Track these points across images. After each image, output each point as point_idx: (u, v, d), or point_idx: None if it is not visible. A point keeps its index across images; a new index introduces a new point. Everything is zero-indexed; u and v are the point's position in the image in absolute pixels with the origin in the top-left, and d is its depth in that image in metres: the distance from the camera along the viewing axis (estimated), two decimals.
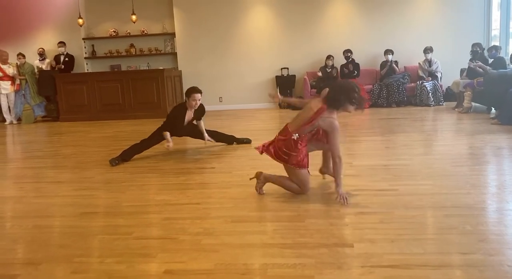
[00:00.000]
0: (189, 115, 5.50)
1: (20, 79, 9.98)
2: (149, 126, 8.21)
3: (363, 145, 5.76)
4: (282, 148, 3.51)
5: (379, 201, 3.35)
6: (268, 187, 3.80)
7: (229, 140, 6.02)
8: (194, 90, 5.35)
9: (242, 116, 9.33)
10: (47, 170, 5.17)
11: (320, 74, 9.75)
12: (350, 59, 9.79)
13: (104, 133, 7.79)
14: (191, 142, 6.78)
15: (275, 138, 3.67)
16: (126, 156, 5.29)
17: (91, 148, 6.47)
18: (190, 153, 5.86)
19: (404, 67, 9.98)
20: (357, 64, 9.81)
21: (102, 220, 3.33)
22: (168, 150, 5.40)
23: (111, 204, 3.70)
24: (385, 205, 3.24)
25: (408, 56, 9.95)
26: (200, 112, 5.67)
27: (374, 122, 7.62)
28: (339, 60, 9.89)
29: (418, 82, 9.42)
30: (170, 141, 5.29)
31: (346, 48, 9.79)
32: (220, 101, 10.76)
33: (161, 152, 5.70)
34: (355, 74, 9.68)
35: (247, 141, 6.02)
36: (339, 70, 9.89)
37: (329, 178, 4.01)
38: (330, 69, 9.72)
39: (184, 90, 10.89)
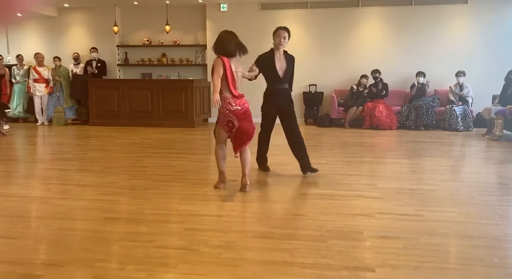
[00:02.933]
0: (281, 62, 4.91)
1: (55, 82, 10.26)
2: (176, 135, 8.33)
3: (389, 167, 5.68)
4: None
5: (403, 226, 3.29)
6: (291, 205, 3.78)
7: (302, 160, 5.02)
8: (279, 27, 4.93)
9: None
10: (74, 172, 5.28)
11: (355, 87, 9.68)
12: (378, 79, 9.73)
13: (131, 139, 7.92)
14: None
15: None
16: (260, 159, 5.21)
17: (117, 153, 6.58)
18: (214, 164, 5.88)
19: (435, 90, 9.85)
20: (386, 84, 9.73)
21: (124, 226, 3.37)
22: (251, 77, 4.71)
23: (134, 210, 3.75)
24: (409, 230, 3.18)
25: (439, 79, 9.82)
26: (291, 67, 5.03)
27: (401, 144, 7.52)
28: (369, 80, 9.83)
29: (448, 106, 9.27)
30: (255, 70, 4.65)
31: (375, 68, 9.74)
32: None
33: (187, 161, 5.75)
34: (383, 93, 9.60)
35: (314, 170, 5.02)
36: (367, 90, 9.83)
37: (355, 200, 3.96)
38: (362, 88, 9.67)
39: None
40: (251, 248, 2.87)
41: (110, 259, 2.76)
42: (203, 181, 4.84)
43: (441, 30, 10.01)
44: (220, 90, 4.12)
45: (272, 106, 4.99)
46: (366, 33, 10.28)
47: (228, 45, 4.16)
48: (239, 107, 4.20)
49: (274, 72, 4.90)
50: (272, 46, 4.98)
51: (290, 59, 5.03)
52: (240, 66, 4.29)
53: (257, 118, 4.55)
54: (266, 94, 5.05)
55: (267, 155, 5.24)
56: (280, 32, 4.89)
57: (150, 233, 3.16)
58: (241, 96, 4.27)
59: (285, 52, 5.01)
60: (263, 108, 5.03)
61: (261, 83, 5.13)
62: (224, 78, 4.11)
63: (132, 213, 3.68)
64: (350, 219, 3.47)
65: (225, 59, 4.14)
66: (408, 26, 10.02)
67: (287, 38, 4.88)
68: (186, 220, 3.45)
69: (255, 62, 4.76)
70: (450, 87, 9.47)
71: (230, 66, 4.14)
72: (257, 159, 5.22)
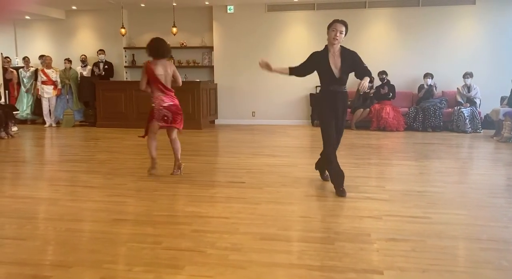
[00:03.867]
0: (335, 60, 4.28)
1: (64, 84, 10.32)
2: (182, 137, 8.32)
3: (397, 169, 5.66)
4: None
5: (411, 228, 3.27)
6: (298, 207, 3.78)
7: (334, 175, 4.33)
8: (335, 20, 4.36)
9: (274, 131, 9.34)
10: (81, 174, 5.30)
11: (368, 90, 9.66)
12: (385, 80, 9.69)
13: (138, 141, 7.91)
14: (224, 155, 6.84)
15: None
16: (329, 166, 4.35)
17: (125, 155, 6.60)
18: (221, 166, 5.89)
19: (442, 91, 9.80)
20: (393, 86, 9.69)
21: (132, 228, 3.38)
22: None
23: (142, 212, 3.76)
24: (417, 233, 3.17)
25: (447, 80, 9.77)
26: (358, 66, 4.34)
27: (408, 146, 7.48)
28: (375, 82, 9.80)
29: (455, 108, 9.22)
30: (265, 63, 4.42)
31: (381, 70, 9.70)
32: (253, 116, 10.83)
33: (194, 163, 5.76)
34: (390, 96, 9.57)
35: (341, 194, 4.17)
36: (373, 90, 9.80)
37: (362, 202, 3.95)
38: (368, 90, 9.64)
39: (219, 103, 11.14)
40: (259, 250, 2.86)
41: (118, 261, 2.76)
42: (210, 182, 4.85)
43: (449, 31, 9.96)
44: (153, 90, 5.03)
45: (329, 108, 4.28)
46: (373, 35, 10.25)
47: (155, 49, 5.05)
48: (171, 103, 5.04)
49: (328, 72, 4.26)
50: (326, 43, 4.40)
51: (348, 56, 4.30)
52: (169, 67, 5.07)
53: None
54: (320, 96, 4.49)
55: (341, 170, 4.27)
56: (336, 25, 4.24)
57: (157, 234, 3.17)
58: (171, 93, 5.05)
59: (342, 49, 4.35)
60: (318, 113, 4.41)
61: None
62: (152, 80, 4.97)
63: (140, 215, 3.69)
64: (357, 221, 3.45)
65: (151, 63, 5.00)
66: (415, 27, 9.98)
67: (344, 33, 4.26)
68: (193, 222, 3.46)
69: (307, 60, 4.39)
70: (457, 88, 9.41)
71: (154, 70, 4.95)
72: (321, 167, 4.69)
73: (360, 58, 4.32)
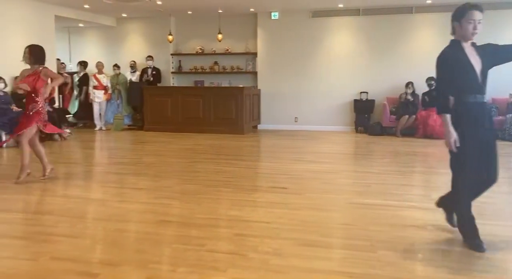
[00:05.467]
0: (475, 59, 3.21)
1: (114, 90, 10.72)
2: (226, 141, 8.48)
3: (443, 178, 5.49)
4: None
5: (458, 239, 3.18)
6: (340, 214, 3.76)
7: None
8: (470, 5, 3.20)
9: (317, 137, 9.30)
10: (129, 176, 5.49)
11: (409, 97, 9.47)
12: (433, 87, 9.45)
13: (184, 145, 8.13)
14: (266, 160, 6.90)
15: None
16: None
17: (171, 158, 6.78)
18: (263, 172, 5.95)
19: (492, 98, 9.44)
20: None
21: (177, 230, 3.48)
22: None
23: (186, 214, 3.86)
24: (464, 244, 3.07)
25: (496, 86, 9.37)
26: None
27: None
28: (422, 88, 9.58)
29: (507, 115, 8.85)
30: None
31: (430, 76, 9.47)
32: (295, 121, 10.83)
33: (237, 167, 5.84)
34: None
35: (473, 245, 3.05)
36: (420, 98, 9.58)
37: (406, 211, 3.88)
38: (405, 96, 9.44)
39: (262, 108, 11.23)
40: (299, 256, 2.88)
41: (163, 261, 2.86)
42: (252, 187, 4.90)
43: (502, 35, 9.58)
44: (36, 96, 5.02)
45: (472, 130, 3.06)
46: (419, 40, 10.03)
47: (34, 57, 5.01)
48: (48, 109, 5.43)
49: (471, 76, 3.12)
50: (453, 37, 3.30)
51: (483, 53, 3.28)
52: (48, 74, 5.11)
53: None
54: (458, 112, 3.10)
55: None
56: (475, 14, 3.17)
57: (201, 237, 3.25)
58: (44, 100, 5.16)
59: (473, 44, 3.32)
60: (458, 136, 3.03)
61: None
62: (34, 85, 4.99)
63: (184, 217, 3.79)
64: (401, 230, 3.40)
65: (27, 70, 5.02)
66: None
67: (481, 23, 3.23)
68: (235, 226, 3.52)
69: (439, 62, 3.19)
70: (510, 94, 9.04)
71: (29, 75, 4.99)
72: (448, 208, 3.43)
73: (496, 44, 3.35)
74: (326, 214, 3.86)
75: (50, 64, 9.73)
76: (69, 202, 4.31)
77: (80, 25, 11.60)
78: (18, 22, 8.80)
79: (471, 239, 3.05)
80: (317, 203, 4.19)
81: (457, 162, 3.13)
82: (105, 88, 10.63)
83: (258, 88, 10.95)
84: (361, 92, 10.29)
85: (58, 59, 10.39)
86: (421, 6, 9.86)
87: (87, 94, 10.67)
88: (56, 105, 9.51)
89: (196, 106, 9.99)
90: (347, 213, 3.90)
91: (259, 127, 10.88)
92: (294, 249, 3.01)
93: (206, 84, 11.42)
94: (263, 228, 3.45)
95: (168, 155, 7.08)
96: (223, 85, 11.09)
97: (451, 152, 3.10)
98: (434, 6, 9.79)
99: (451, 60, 3.15)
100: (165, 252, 3.03)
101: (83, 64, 11.00)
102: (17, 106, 7.55)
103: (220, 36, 10.49)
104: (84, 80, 10.80)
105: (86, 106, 10.77)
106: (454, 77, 3.12)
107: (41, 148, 5.18)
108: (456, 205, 3.25)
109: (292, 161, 6.40)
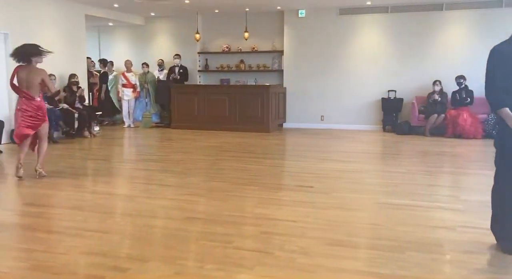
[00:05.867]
0: None
1: (142, 88, 10.89)
2: (251, 139, 8.51)
3: (473, 178, 5.40)
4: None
5: (488, 241, 3.11)
6: (367, 214, 3.73)
7: None
8: None
9: (343, 136, 9.23)
10: (157, 173, 5.58)
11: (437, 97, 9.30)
12: (463, 85, 9.24)
13: (210, 142, 8.20)
14: (292, 159, 6.89)
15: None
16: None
17: (197, 155, 6.85)
18: (288, 170, 5.94)
19: None
20: (471, 91, 9.21)
21: (204, 226, 3.52)
22: None
23: (213, 211, 3.90)
24: (495, 247, 3.01)
25: None
26: None
27: (486, 155, 7.08)
28: (452, 86, 9.39)
29: None
30: None
31: (459, 74, 9.26)
32: (321, 120, 10.76)
33: (263, 165, 5.85)
34: (467, 101, 9.10)
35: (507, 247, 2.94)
36: (450, 96, 9.38)
37: (435, 212, 3.82)
38: (433, 94, 9.27)
39: (288, 106, 11.21)
40: (326, 255, 2.88)
41: (190, 257, 2.90)
42: (278, 185, 4.91)
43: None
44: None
45: None
46: (449, 38, 9.82)
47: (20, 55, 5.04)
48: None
49: None
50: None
51: None
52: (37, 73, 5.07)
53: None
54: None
55: None
56: None
57: (227, 234, 3.28)
58: (34, 99, 5.10)
59: None
60: (504, 145, 2.98)
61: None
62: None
63: (211, 214, 3.83)
64: (430, 231, 3.35)
65: (17, 68, 5.06)
66: (497, 30, 9.40)
67: None
68: (262, 224, 3.53)
69: (492, 59, 3.20)
70: None
71: (17, 74, 5.03)
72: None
73: None
74: (353, 213, 3.83)
75: (81, 62, 10.05)
76: (98, 197, 4.42)
77: (110, 24, 11.81)
78: (50, 22, 9.02)
79: (506, 241, 2.93)
80: (343, 203, 4.16)
81: (503, 160, 2.98)
82: (133, 86, 10.80)
83: (284, 86, 10.93)
84: (389, 91, 10.15)
85: (88, 58, 10.62)
86: (452, 3, 9.65)
87: (105, 92, 10.93)
88: (86, 103, 9.72)
89: (222, 104, 10.04)
90: (374, 213, 3.86)
91: (285, 125, 10.86)
92: (320, 248, 3.00)
93: (232, 82, 11.46)
94: (289, 227, 3.46)
95: (194, 153, 7.15)
96: (249, 83, 11.11)
97: (499, 149, 2.99)
98: (465, 3, 9.57)
99: (505, 55, 3.06)
100: (193, 248, 3.07)
101: (102, 62, 11.25)
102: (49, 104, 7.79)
103: (246, 34, 10.51)
104: (104, 78, 11.03)
105: (105, 103, 11.02)
106: (507, 72, 3.04)
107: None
108: (494, 202, 3.07)
109: (318, 160, 6.38)
